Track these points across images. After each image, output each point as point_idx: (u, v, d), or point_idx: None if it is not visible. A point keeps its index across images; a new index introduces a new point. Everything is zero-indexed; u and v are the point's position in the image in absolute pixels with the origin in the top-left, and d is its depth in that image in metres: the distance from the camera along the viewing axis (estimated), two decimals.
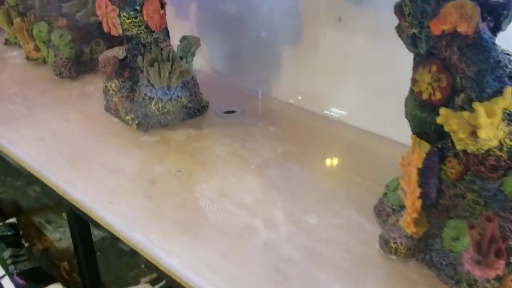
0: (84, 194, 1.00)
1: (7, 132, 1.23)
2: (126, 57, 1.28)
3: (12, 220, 1.38)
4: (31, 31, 1.56)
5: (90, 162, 1.10)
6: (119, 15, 1.13)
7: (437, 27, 0.63)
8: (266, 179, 1.03)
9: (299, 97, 1.30)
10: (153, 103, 1.18)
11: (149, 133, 1.21)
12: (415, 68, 0.74)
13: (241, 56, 1.41)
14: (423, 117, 0.75)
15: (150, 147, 1.16)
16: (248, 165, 1.08)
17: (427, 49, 0.70)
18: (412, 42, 0.72)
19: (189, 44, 1.22)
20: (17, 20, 1.61)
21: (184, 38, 1.23)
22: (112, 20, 1.13)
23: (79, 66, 1.53)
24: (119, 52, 1.33)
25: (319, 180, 1.03)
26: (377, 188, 0.99)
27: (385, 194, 0.93)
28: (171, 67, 1.12)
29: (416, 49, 0.72)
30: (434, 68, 0.68)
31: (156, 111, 1.18)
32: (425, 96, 0.72)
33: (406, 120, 1.08)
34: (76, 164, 1.10)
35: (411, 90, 0.76)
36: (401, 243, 0.83)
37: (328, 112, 1.25)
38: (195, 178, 1.04)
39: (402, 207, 0.89)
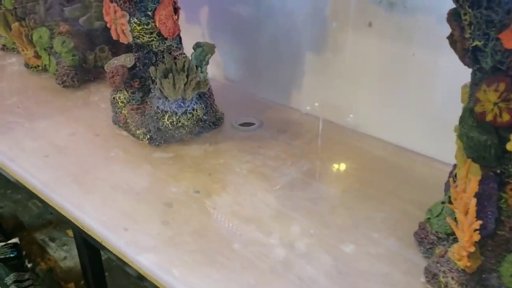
0: (95, 219, 0.91)
1: (8, 147, 1.14)
2: (134, 65, 1.19)
3: (15, 240, 1.28)
4: (31, 36, 1.47)
5: (99, 182, 1.01)
6: (129, 22, 1.04)
7: (511, 40, 0.55)
8: (293, 202, 0.95)
9: (322, 108, 1.21)
10: (166, 116, 1.09)
11: (162, 149, 1.12)
12: (475, 86, 0.66)
13: (257, 63, 1.32)
14: (482, 140, 0.66)
15: (163, 164, 1.07)
16: (271, 185, 0.99)
17: (492, 64, 0.61)
18: (473, 55, 0.64)
19: (204, 52, 1.13)
20: (15, 25, 1.51)
21: (198, 45, 1.14)
22: (122, 27, 1.04)
23: (82, 74, 1.44)
24: (126, 60, 1.24)
25: (351, 202, 0.95)
26: (416, 211, 0.91)
27: (428, 219, 0.84)
28: (187, 78, 1.03)
29: (477, 63, 0.64)
30: (502, 87, 0.60)
31: (169, 125, 1.09)
32: (489, 117, 0.63)
33: (440, 135, 1.00)
34: (84, 183, 1.01)
35: (469, 110, 0.67)
36: (452, 278, 0.74)
37: (354, 125, 1.17)
38: (215, 200, 0.96)
39: (449, 234, 0.81)
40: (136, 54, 1.13)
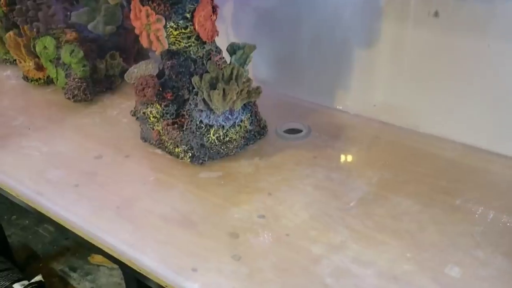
0: (156, 260, 0.78)
1: (29, 178, 1.00)
2: (160, 73, 1.06)
3: (39, 278, 1.14)
4: (33, 47, 1.31)
5: (146, 213, 0.88)
6: (165, 26, 0.90)
7: None
8: (374, 221, 0.84)
9: (374, 108, 1.11)
10: (212, 131, 0.96)
11: (207, 167, 0.99)
12: None
13: (295, 62, 1.20)
14: None
15: (214, 185, 0.95)
16: (344, 203, 0.88)
17: None
18: None
19: (245, 54, 1.00)
20: (10, 35, 1.35)
21: (237, 46, 1.01)
22: (157, 33, 0.90)
23: (94, 85, 1.30)
24: (148, 67, 1.11)
25: (438, 215, 0.84)
26: (511, 219, 0.82)
27: None
28: (238, 87, 0.91)
29: None
30: None
31: (216, 140, 0.97)
32: None
33: None
34: (129, 216, 0.88)
35: None
36: None
37: (416, 126, 1.06)
38: (286, 224, 0.84)
39: None
40: (169, 62, 1.00)
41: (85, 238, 0.87)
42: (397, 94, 1.06)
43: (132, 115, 1.16)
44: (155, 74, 1.08)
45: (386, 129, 1.08)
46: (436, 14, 0.93)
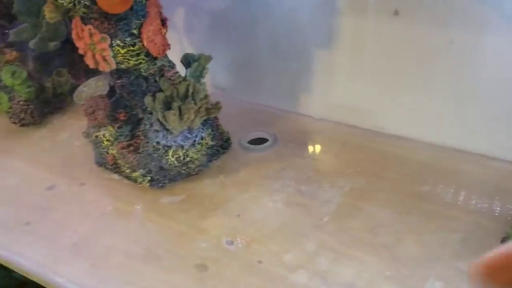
0: None
1: None
2: (111, 91, 0.99)
3: None
4: None
5: (107, 250, 0.81)
6: (110, 45, 0.83)
7: None
8: (350, 236, 0.79)
9: (340, 111, 1.06)
10: (170, 152, 0.90)
11: (168, 191, 0.93)
12: None
13: (254, 67, 1.14)
14: None
15: (177, 211, 0.88)
16: (318, 219, 0.83)
17: None
18: None
19: (201, 66, 0.94)
20: None
21: (191, 57, 0.94)
22: (103, 53, 0.83)
23: (41, 107, 1.20)
24: (98, 85, 1.03)
25: (415, 224, 0.81)
26: (490, 222, 0.80)
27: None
28: (195, 104, 0.84)
29: None
30: None
31: (175, 162, 0.90)
32: None
33: (489, 129, 0.89)
34: (89, 256, 0.80)
35: None
36: None
37: (382, 127, 1.02)
38: (258, 250, 0.79)
39: None
40: (119, 81, 0.92)
41: (42, 284, 0.79)
42: (361, 96, 1.02)
43: (85, 137, 1.09)
44: (105, 92, 1.00)
45: (353, 133, 1.04)
46: (396, 12, 0.89)
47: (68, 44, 1.24)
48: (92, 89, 1.03)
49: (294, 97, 1.11)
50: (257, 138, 1.06)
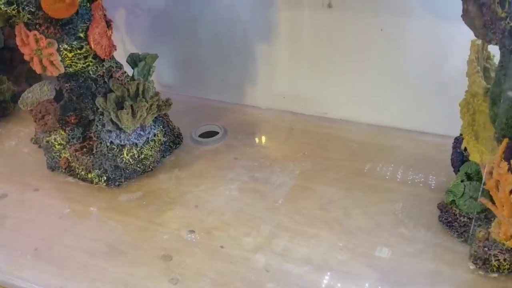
0: None
1: None
2: (58, 95, 0.99)
3: None
4: None
5: (69, 250, 0.83)
6: (58, 50, 0.84)
7: None
8: (303, 215, 0.85)
9: (284, 100, 1.12)
10: (125, 151, 0.92)
11: (125, 189, 0.95)
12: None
13: (198, 62, 1.18)
14: None
15: (136, 207, 0.91)
16: (273, 202, 0.89)
17: None
18: (509, 36, 0.58)
19: (147, 65, 0.97)
20: None
21: (137, 57, 0.97)
22: (50, 58, 0.83)
23: None
24: (43, 90, 1.04)
25: (360, 199, 0.88)
26: (426, 192, 0.88)
27: (452, 201, 0.81)
28: (147, 102, 0.87)
29: None
30: None
31: (130, 160, 0.93)
32: None
33: (418, 106, 0.98)
34: (52, 258, 0.81)
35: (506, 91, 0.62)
36: (504, 259, 0.72)
37: (324, 112, 1.09)
38: (218, 236, 0.83)
39: (479, 213, 0.78)
40: (67, 84, 0.93)
41: None
42: (303, 84, 1.08)
43: (34, 143, 1.09)
44: (52, 97, 1.00)
45: (298, 119, 1.10)
46: (329, 5, 0.95)
47: (6, 51, 1.22)
48: (37, 94, 1.03)
49: (239, 90, 1.15)
50: (207, 132, 1.10)
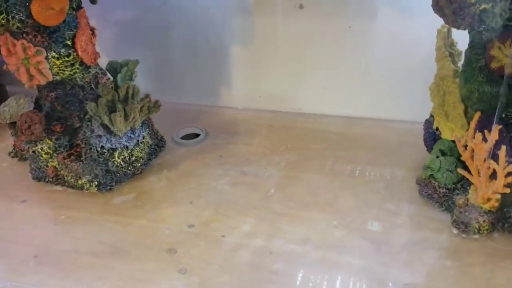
0: None
1: None
2: (37, 106, 1.00)
3: None
4: None
5: (71, 254, 0.83)
6: (46, 58, 0.85)
7: None
8: (296, 201, 0.91)
9: (260, 99, 1.18)
10: (116, 154, 0.94)
11: (116, 192, 0.97)
12: (478, 46, 0.70)
13: (172, 69, 1.21)
14: (493, 92, 0.72)
15: (132, 208, 0.92)
16: (265, 192, 0.94)
17: (502, 23, 0.66)
18: (478, 18, 0.67)
19: (129, 71, 0.99)
20: None
21: (116, 64, 0.99)
22: (39, 66, 0.84)
23: None
24: (20, 103, 1.04)
25: (346, 182, 0.95)
26: (403, 171, 0.96)
27: (430, 175, 0.89)
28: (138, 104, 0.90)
29: (483, 25, 0.67)
30: None
31: (122, 163, 0.94)
32: (509, 70, 0.68)
33: (387, 96, 1.06)
34: (54, 263, 0.81)
35: (479, 68, 0.71)
36: (483, 221, 0.80)
37: (300, 108, 1.16)
38: (218, 227, 0.86)
39: (456, 183, 0.86)
40: (52, 93, 0.94)
41: None
42: (278, 83, 1.14)
43: (13, 157, 1.08)
44: (31, 109, 1.00)
45: (275, 117, 1.16)
46: (301, 6, 1.02)
47: None
48: (14, 108, 1.03)
49: (216, 92, 1.20)
50: (188, 134, 1.14)
